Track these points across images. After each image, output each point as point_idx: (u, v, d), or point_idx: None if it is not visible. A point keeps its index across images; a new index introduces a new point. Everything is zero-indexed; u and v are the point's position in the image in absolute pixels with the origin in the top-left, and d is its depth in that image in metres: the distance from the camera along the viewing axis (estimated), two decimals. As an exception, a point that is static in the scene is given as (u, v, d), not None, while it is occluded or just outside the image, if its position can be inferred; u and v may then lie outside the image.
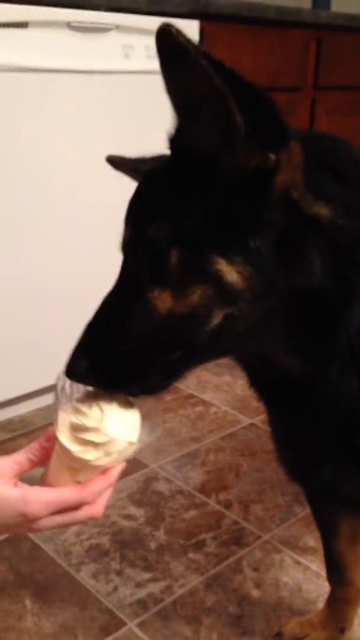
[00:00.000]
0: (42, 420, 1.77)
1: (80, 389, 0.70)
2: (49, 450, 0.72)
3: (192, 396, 1.93)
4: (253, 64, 2.11)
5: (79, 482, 0.69)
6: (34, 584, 1.23)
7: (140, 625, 1.14)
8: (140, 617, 1.16)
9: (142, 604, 1.19)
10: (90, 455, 0.67)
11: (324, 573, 1.14)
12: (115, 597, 1.20)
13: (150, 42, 2.01)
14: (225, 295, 0.61)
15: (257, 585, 1.24)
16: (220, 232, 0.61)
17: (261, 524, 1.40)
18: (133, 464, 1.58)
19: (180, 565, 1.28)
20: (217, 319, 0.62)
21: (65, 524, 0.69)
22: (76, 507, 0.69)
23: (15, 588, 1.22)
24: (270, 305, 0.63)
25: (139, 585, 1.23)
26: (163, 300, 0.63)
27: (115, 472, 0.70)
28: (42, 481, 0.72)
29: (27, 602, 1.19)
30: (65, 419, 0.68)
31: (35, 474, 0.73)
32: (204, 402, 1.90)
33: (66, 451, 0.67)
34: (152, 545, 1.34)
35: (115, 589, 1.22)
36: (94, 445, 0.66)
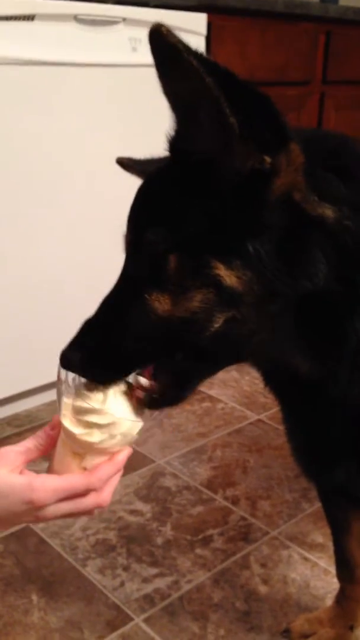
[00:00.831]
0: (48, 415, 1.77)
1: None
2: (55, 438, 0.71)
3: (199, 392, 1.92)
4: (261, 57, 2.10)
5: (85, 469, 0.69)
6: (40, 578, 1.22)
7: (147, 620, 1.14)
8: (146, 612, 1.15)
9: (148, 600, 1.18)
10: (94, 437, 0.67)
11: (332, 569, 1.13)
12: (122, 592, 1.20)
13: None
14: (225, 299, 0.61)
15: (265, 582, 1.23)
16: (218, 236, 0.60)
17: (269, 520, 1.39)
18: (139, 460, 1.57)
19: (187, 561, 1.27)
20: (217, 323, 0.62)
21: (72, 512, 0.68)
22: (83, 494, 0.68)
23: (21, 583, 1.21)
24: (274, 308, 0.62)
25: (145, 580, 1.23)
26: (162, 303, 0.63)
27: (122, 457, 0.70)
28: (48, 470, 0.72)
29: (34, 597, 1.18)
30: (68, 403, 0.68)
31: (41, 469, 0.72)
32: (211, 398, 1.89)
33: (70, 435, 0.67)
34: (159, 540, 1.33)
35: (122, 584, 1.22)
36: (98, 427, 0.66)
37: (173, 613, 1.16)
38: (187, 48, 0.53)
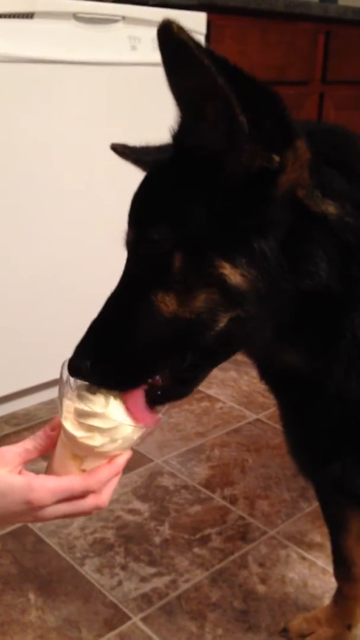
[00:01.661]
0: (46, 413, 1.77)
1: None
2: (54, 438, 0.71)
3: (197, 391, 1.92)
4: (261, 57, 2.10)
5: (84, 471, 0.69)
6: (38, 577, 1.22)
7: (145, 619, 1.14)
8: (144, 611, 1.15)
9: (146, 599, 1.18)
10: (95, 441, 0.66)
11: (330, 569, 1.13)
12: (120, 591, 1.19)
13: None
14: (230, 298, 0.60)
15: (263, 581, 1.23)
16: (223, 234, 0.60)
17: (267, 520, 1.39)
18: (138, 459, 1.57)
19: (185, 560, 1.27)
20: (222, 322, 0.62)
21: (70, 513, 0.68)
22: (82, 495, 0.68)
23: (19, 582, 1.21)
24: (275, 305, 0.62)
25: (143, 579, 1.22)
26: (167, 304, 0.62)
27: (121, 460, 0.70)
28: (47, 470, 0.71)
29: (31, 596, 1.18)
30: (70, 406, 0.67)
31: (40, 469, 0.72)
32: (209, 398, 1.89)
33: (71, 438, 0.67)
34: (157, 539, 1.33)
35: (120, 583, 1.21)
36: (100, 431, 0.66)
37: (171, 612, 1.15)
38: (198, 45, 0.52)
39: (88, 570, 1.24)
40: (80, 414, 0.67)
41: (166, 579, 1.23)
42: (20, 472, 0.69)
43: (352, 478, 0.80)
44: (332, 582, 1.12)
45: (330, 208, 0.61)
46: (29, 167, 1.59)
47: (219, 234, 0.60)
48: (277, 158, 0.57)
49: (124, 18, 1.64)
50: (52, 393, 1.81)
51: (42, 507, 0.66)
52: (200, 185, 0.61)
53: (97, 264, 1.59)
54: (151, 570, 1.25)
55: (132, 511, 1.41)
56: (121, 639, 1.10)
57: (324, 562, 1.26)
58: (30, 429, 1.69)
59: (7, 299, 1.64)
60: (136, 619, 1.14)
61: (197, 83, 0.55)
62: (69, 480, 0.67)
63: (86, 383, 0.68)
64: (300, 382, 0.72)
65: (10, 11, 1.45)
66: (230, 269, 0.59)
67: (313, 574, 1.24)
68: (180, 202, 0.61)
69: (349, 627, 1.09)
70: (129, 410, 0.66)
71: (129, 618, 1.14)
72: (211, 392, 1.92)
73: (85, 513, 0.70)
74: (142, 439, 0.70)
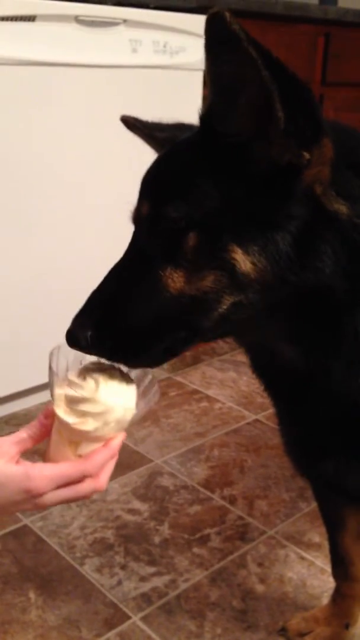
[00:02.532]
0: (47, 414, 1.77)
1: (74, 365, 0.70)
2: (49, 427, 0.72)
3: (196, 392, 1.93)
4: (260, 59, 2.10)
5: (80, 456, 0.70)
6: (38, 577, 1.23)
7: (144, 619, 1.14)
8: (144, 611, 1.16)
9: (146, 598, 1.19)
10: (88, 426, 0.67)
11: (328, 568, 1.14)
12: (120, 590, 1.20)
13: (158, 36, 2.01)
14: (236, 283, 0.61)
15: (262, 581, 1.24)
16: (240, 221, 0.61)
17: (266, 520, 1.40)
18: (137, 459, 1.58)
19: (185, 560, 1.28)
20: (225, 305, 0.62)
21: (69, 498, 0.69)
22: (79, 480, 0.69)
23: (19, 581, 1.22)
24: (277, 297, 0.63)
25: (143, 579, 1.23)
26: (174, 280, 0.63)
27: (117, 442, 0.70)
28: (44, 458, 0.72)
29: (32, 595, 1.19)
30: (60, 393, 0.68)
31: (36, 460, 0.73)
32: (208, 398, 1.90)
33: (65, 424, 0.68)
34: (156, 539, 1.34)
35: (120, 582, 1.22)
36: (92, 415, 0.67)
37: (170, 612, 1.16)
38: (248, 37, 0.53)
39: (88, 569, 1.25)
40: (71, 400, 0.67)
41: (166, 578, 1.23)
42: (17, 462, 0.70)
43: (344, 475, 0.81)
44: (330, 582, 1.13)
45: (343, 208, 0.62)
46: (30, 168, 1.59)
47: (236, 220, 0.61)
48: (307, 155, 0.59)
49: (125, 21, 1.65)
50: (52, 393, 1.81)
51: (41, 494, 0.67)
52: (223, 170, 0.61)
53: (98, 264, 1.59)
54: (151, 569, 1.25)
55: (131, 511, 1.41)
56: (121, 638, 1.11)
57: (322, 561, 1.27)
58: (31, 429, 1.69)
59: (7, 299, 1.65)
60: (136, 619, 1.14)
61: (240, 72, 0.56)
62: (65, 466, 0.68)
63: (75, 370, 0.68)
64: (294, 378, 0.73)
65: (12, 14, 1.45)
66: (243, 256, 0.60)
67: (312, 574, 1.25)
68: (201, 184, 0.62)
69: (347, 626, 1.10)
70: None
71: (129, 617, 1.14)
72: (210, 392, 1.93)
73: (84, 497, 0.71)
74: (139, 416, 0.70)
